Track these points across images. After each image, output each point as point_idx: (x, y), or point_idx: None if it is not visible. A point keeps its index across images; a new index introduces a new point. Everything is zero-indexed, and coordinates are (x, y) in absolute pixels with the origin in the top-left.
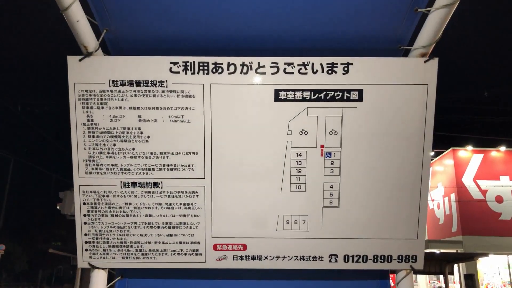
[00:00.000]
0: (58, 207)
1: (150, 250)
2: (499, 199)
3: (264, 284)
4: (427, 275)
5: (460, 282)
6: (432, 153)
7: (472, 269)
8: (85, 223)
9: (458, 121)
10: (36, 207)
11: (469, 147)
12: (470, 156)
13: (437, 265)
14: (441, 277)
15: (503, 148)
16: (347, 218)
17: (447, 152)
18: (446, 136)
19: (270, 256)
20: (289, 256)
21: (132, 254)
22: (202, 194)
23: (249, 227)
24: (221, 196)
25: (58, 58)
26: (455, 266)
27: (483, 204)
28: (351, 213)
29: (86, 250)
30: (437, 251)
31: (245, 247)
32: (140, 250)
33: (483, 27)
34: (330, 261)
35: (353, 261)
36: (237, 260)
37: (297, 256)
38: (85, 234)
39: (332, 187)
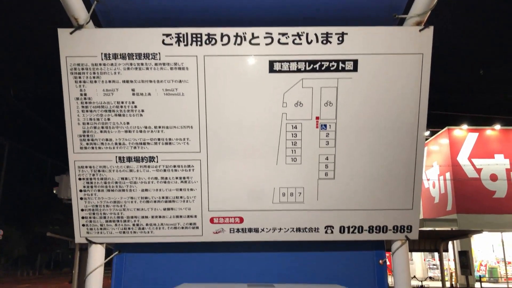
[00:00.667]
0: (54, 191)
1: (147, 225)
2: (494, 177)
3: (261, 257)
4: (422, 254)
5: (454, 260)
6: (428, 133)
7: (466, 246)
8: (81, 198)
9: (453, 100)
10: (33, 192)
11: (464, 126)
12: (465, 135)
13: (432, 242)
14: (436, 255)
15: (498, 127)
16: (343, 190)
17: (442, 131)
18: (441, 116)
19: (267, 228)
20: (285, 228)
21: (129, 228)
22: (198, 168)
23: (245, 200)
24: (217, 170)
25: (49, 39)
26: (450, 244)
27: (478, 182)
28: (347, 185)
29: (83, 225)
30: (432, 229)
31: (241, 219)
32: (137, 225)
33: (479, 4)
34: (326, 232)
35: (348, 232)
36: (234, 233)
37: (293, 228)
38: (82, 210)
39: (327, 159)
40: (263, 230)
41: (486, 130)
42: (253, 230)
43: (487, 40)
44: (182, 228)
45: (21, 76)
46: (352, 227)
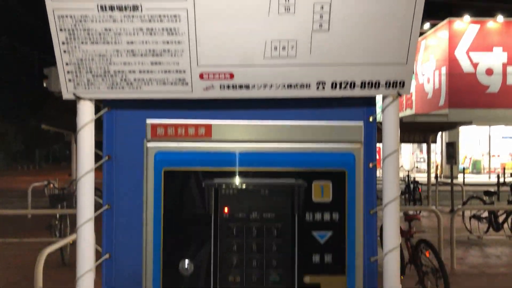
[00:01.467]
0: (44, 84)
1: (135, 80)
2: (489, 72)
3: (252, 114)
4: (411, 147)
5: (441, 153)
6: (427, 26)
7: (454, 138)
8: (64, 51)
9: None
10: (25, 88)
11: (467, 17)
12: (465, 28)
13: (422, 134)
14: (424, 149)
15: (500, 18)
16: (337, 43)
17: (442, 23)
18: (444, 7)
19: (258, 85)
20: (276, 84)
21: (116, 84)
22: (184, 18)
23: (236, 55)
24: (205, 21)
25: None
26: (438, 136)
27: (472, 77)
28: (341, 37)
29: (70, 80)
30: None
31: (232, 76)
32: (125, 80)
33: None
34: (317, 88)
35: (340, 88)
36: (224, 89)
37: (284, 84)
38: (66, 64)
39: (322, 8)
40: (254, 86)
41: (488, 21)
42: (244, 87)
43: None
44: (171, 84)
45: None
46: (344, 82)
